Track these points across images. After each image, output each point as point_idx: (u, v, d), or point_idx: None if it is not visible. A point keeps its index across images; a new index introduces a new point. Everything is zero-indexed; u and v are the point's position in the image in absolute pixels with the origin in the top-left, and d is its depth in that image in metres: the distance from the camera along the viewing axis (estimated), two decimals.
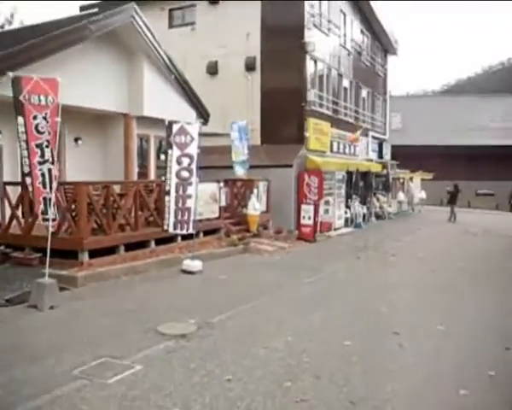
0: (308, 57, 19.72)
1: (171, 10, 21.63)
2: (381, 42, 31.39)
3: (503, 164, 45.19)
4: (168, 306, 8.11)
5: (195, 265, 10.97)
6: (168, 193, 11.22)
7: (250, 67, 19.79)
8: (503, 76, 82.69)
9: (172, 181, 11.24)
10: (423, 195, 36.30)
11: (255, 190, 16.09)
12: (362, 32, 27.58)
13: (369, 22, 28.35)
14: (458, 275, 11.65)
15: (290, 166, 18.25)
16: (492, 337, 6.83)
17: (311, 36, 19.70)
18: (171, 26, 21.58)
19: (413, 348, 6.27)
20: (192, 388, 4.94)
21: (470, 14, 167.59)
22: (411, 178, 35.13)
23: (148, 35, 13.66)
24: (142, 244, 11.74)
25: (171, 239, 12.35)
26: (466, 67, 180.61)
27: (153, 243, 12.01)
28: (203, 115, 16.48)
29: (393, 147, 34.23)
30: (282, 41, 19.21)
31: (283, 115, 19.12)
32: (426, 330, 7.14)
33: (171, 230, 11.35)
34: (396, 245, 16.85)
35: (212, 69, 20.48)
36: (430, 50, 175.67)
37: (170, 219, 11.28)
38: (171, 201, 11.22)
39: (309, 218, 17.50)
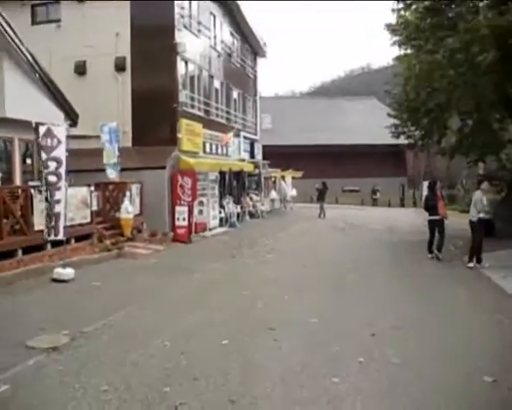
0: (179, 58, 19.69)
1: (33, 6, 20.47)
2: (251, 44, 32.10)
3: (366, 162, 48.20)
4: (39, 318, 7.71)
5: (67, 273, 10.54)
6: (35, 198, 10.70)
7: (120, 67, 19.33)
8: (364, 79, 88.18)
9: (41, 186, 10.73)
10: (294, 193, 37.68)
11: (128, 193, 15.79)
12: (232, 34, 28.02)
13: (239, 25, 28.89)
14: (328, 269, 12.27)
15: (163, 167, 18.12)
16: (360, 325, 7.28)
17: (181, 37, 19.67)
18: (34, 22, 20.41)
19: (288, 342, 6.52)
20: (66, 403, 4.76)
21: (334, 21, 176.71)
22: (283, 177, 36.33)
23: (9, 31, 12.82)
24: (8, 254, 11.07)
25: (40, 247, 11.77)
26: (330, 70, 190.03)
27: (20, 253, 11.36)
28: (71, 117, 15.83)
29: (265, 147, 35.14)
30: (153, 41, 18.97)
31: (155, 117, 18.90)
32: (300, 323, 7.44)
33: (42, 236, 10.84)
34: (270, 242, 17.37)
35: (81, 69, 19.72)
36: (298, 54, 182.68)
37: (39, 226, 10.76)
38: (39, 206, 10.71)
39: (183, 219, 17.50)
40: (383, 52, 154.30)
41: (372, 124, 42.41)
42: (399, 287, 10.20)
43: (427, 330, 7.12)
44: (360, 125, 48.85)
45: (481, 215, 12.22)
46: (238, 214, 24.07)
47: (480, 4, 15.06)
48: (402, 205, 41.80)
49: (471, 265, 12.13)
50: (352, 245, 16.96)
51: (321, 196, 29.87)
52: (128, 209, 15.39)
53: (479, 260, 12.14)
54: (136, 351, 6.16)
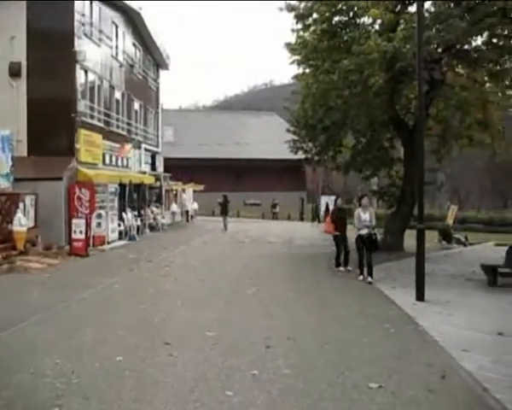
0: (78, 67, 19.22)
1: None
2: (154, 56, 31.92)
3: (267, 176, 49.23)
4: None
5: None
6: None
7: (14, 72, 18.54)
8: (266, 95, 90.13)
9: None
10: (196, 206, 37.73)
11: (21, 205, 15.14)
12: (134, 45, 27.74)
13: (142, 36, 28.66)
14: (227, 282, 12.40)
15: (60, 178, 17.55)
16: (256, 338, 7.44)
17: (81, 45, 19.23)
18: None
19: (184, 357, 6.55)
20: None
21: (239, 36, 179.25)
22: (184, 190, 36.27)
23: None
24: None
25: None
26: (234, 85, 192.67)
27: None
28: None
29: (166, 159, 34.95)
30: (51, 48, 18.34)
31: (52, 126, 18.27)
32: (196, 337, 7.49)
33: None
34: (169, 256, 17.30)
35: None
36: (203, 68, 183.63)
37: None
38: None
39: (80, 232, 16.97)
40: (285, 70, 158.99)
41: (273, 139, 43.46)
42: (296, 299, 10.52)
43: (321, 340, 7.40)
44: (261, 140, 49.86)
45: (361, 232, 12.56)
46: (138, 227, 23.74)
47: (372, 30, 16.03)
48: (301, 219, 43.03)
49: (361, 278, 12.66)
50: (252, 258, 17.24)
51: (224, 209, 30.12)
52: (21, 221, 14.76)
53: (370, 274, 12.55)
54: (25, 371, 5.94)
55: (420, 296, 10.01)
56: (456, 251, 20.76)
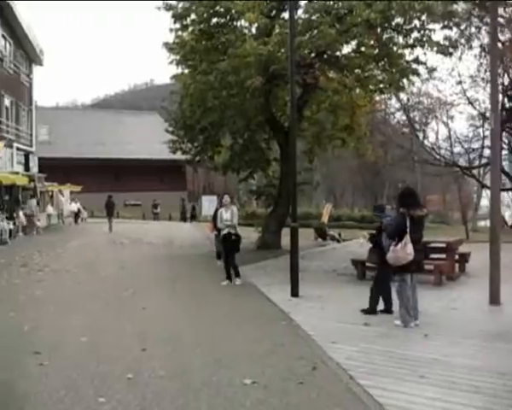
0: None
1: None
2: (26, 50, 30.30)
3: (147, 176, 48.54)
4: None
5: None
6: None
7: None
8: (147, 95, 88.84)
9: None
10: (74, 207, 36.33)
11: None
12: (4, 37, 26.15)
13: (13, 28, 27.09)
14: (103, 285, 12.08)
15: None
16: (132, 341, 7.34)
17: None
18: None
19: (54, 365, 6.31)
20: None
21: (119, 34, 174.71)
22: (61, 191, 34.79)
23: None
24: None
25: None
26: (114, 83, 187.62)
27: None
28: None
29: (41, 159, 33.36)
30: None
31: None
32: (69, 344, 7.23)
33: None
34: (44, 260, 16.53)
35: None
36: (81, 65, 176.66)
37: None
38: None
39: None
40: (165, 69, 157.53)
41: (154, 139, 42.90)
42: (174, 300, 10.51)
43: (197, 340, 7.46)
44: (142, 140, 49.11)
45: (223, 232, 12.13)
46: (10, 231, 22.42)
47: (248, 34, 16.38)
48: (182, 219, 42.94)
49: (224, 283, 12.04)
50: (132, 260, 16.93)
51: (109, 210, 29.27)
52: None
53: (237, 275, 12.14)
54: None
55: (294, 292, 10.40)
56: (330, 248, 21.71)
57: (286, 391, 5.45)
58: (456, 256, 12.78)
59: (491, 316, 8.83)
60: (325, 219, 26.10)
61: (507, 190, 29.98)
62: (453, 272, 12.18)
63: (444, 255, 11.99)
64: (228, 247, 12.12)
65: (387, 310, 8.73)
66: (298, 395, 5.35)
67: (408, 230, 7.81)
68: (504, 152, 26.68)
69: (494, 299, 9.18)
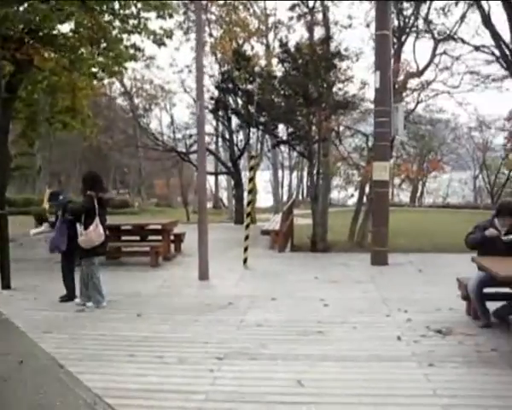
0: None
1: None
2: None
3: None
4: None
5: None
6: None
7: None
8: None
9: None
10: None
11: None
12: None
13: None
14: None
15: None
16: None
17: None
18: None
19: None
20: None
21: None
22: None
23: None
24: None
25: None
26: None
27: None
28: None
29: None
30: None
31: None
32: None
33: None
34: None
35: None
36: None
37: None
38: None
39: None
40: None
41: None
42: None
43: None
44: None
45: None
46: None
47: None
48: None
49: None
50: None
51: None
52: None
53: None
54: None
55: (6, 284, 9.73)
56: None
57: None
58: (172, 237, 13.44)
59: (200, 291, 9.56)
60: (46, 205, 24.84)
61: (212, 173, 32.65)
62: (169, 252, 12.80)
63: (160, 237, 12.51)
64: None
65: (70, 297, 8.67)
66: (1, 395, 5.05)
67: (97, 212, 7.98)
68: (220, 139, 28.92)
69: (203, 275, 9.96)
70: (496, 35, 14.49)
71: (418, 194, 53.14)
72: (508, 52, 14.27)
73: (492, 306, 6.95)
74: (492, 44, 15.00)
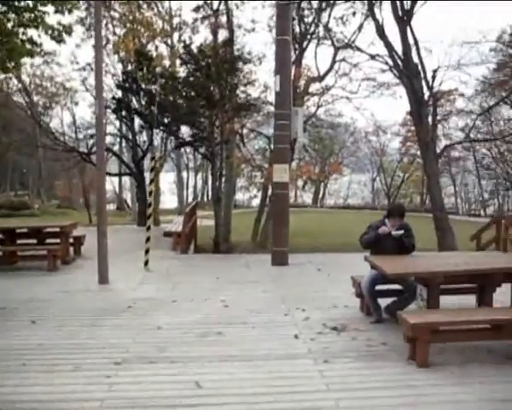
0: None
1: None
2: None
3: None
4: None
5: None
6: None
7: None
8: None
9: None
10: None
11: None
12: None
13: None
14: None
15: None
16: None
17: None
18: None
19: None
20: None
21: None
22: None
23: None
24: None
25: None
26: None
27: None
28: None
29: None
30: None
31: None
32: None
33: None
34: None
35: None
36: None
37: None
38: None
39: None
40: None
41: None
42: None
43: None
44: None
45: None
46: None
47: None
48: None
49: None
50: None
51: None
52: None
53: None
54: None
55: None
56: None
57: None
58: (71, 240, 12.97)
59: (99, 295, 9.29)
60: None
61: (115, 175, 32.02)
62: (68, 255, 12.32)
63: (58, 240, 12.03)
64: None
65: None
66: None
67: None
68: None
69: (102, 278, 9.71)
70: (389, 45, 15.22)
71: (320, 195, 54.72)
72: (400, 62, 15.00)
73: (384, 302, 7.30)
74: (386, 54, 15.72)
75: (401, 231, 7.29)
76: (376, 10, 16.27)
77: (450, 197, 48.24)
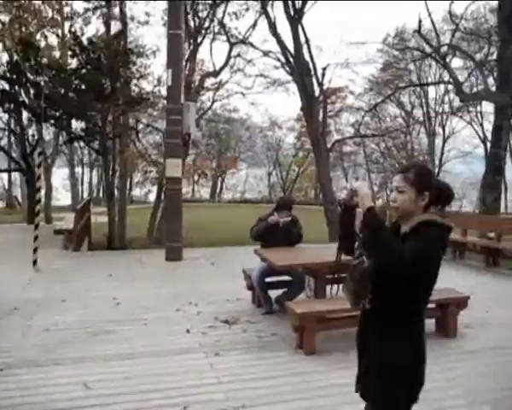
0: None
1: None
2: None
3: None
4: None
5: None
6: None
7: None
8: None
9: None
10: None
11: None
12: None
13: None
14: None
15: None
16: None
17: None
18: None
19: None
20: None
21: None
22: None
23: None
24: None
25: None
26: None
27: None
28: None
29: None
30: None
31: None
32: None
33: None
34: None
35: None
36: None
37: None
38: None
39: None
40: None
41: None
42: None
43: None
44: None
45: None
46: None
47: None
48: None
49: None
50: None
51: None
52: None
53: None
54: None
55: None
56: None
57: None
58: None
59: None
60: None
61: (4, 170, 30.56)
62: None
63: None
64: None
65: None
66: None
67: None
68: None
69: None
70: (281, 43, 15.60)
71: (218, 190, 54.91)
72: (291, 59, 15.42)
73: (275, 294, 7.51)
74: (279, 51, 16.11)
75: (289, 218, 7.55)
76: (269, 8, 16.61)
77: (342, 190, 50.15)
